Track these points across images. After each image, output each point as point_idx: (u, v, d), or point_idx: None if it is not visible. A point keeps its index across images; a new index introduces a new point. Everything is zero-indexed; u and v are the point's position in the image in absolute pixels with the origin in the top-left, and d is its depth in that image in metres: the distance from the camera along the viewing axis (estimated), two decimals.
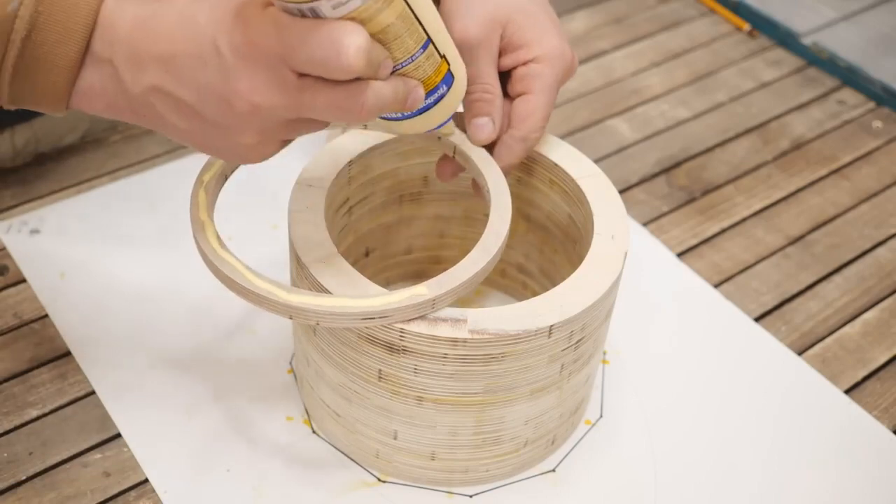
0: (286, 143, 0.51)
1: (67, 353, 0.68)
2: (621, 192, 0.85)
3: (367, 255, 0.71)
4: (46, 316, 0.70)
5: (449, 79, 0.54)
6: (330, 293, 0.54)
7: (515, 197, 0.69)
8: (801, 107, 0.98)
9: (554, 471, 0.64)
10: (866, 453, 0.67)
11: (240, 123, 0.47)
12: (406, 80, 0.50)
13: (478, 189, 0.63)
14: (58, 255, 0.74)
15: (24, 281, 0.72)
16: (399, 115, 0.55)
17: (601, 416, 0.68)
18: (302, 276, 0.57)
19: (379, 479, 0.62)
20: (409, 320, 0.53)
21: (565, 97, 0.96)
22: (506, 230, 0.57)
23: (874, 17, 1.13)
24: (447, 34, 0.53)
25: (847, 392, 0.71)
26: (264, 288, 0.52)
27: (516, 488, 0.63)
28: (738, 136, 0.94)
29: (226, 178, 0.58)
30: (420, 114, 0.55)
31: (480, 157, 0.61)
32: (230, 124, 0.47)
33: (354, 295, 0.53)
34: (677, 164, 0.90)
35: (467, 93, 0.60)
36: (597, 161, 0.83)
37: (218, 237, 0.54)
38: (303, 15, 0.44)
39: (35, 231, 0.76)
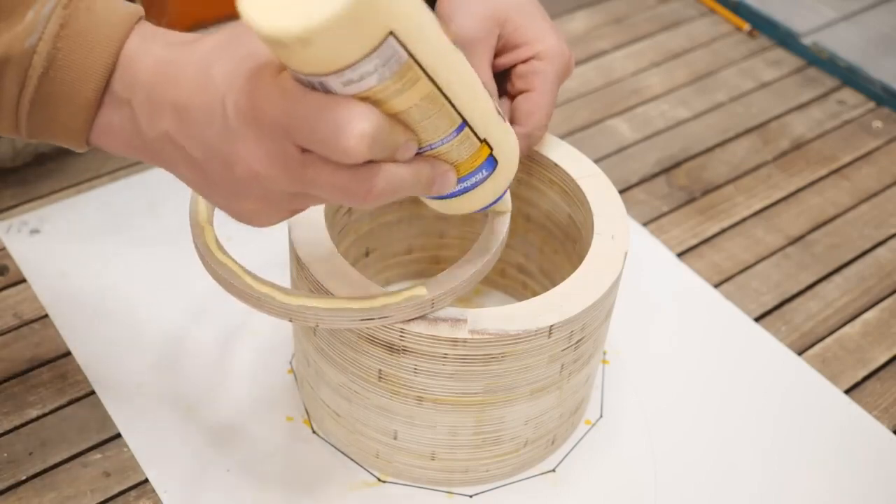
0: (295, 212, 0.48)
1: (67, 353, 0.68)
2: (621, 192, 0.85)
3: (367, 254, 0.71)
4: (46, 316, 0.70)
5: (490, 163, 0.50)
6: (331, 293, 0.54)
7: (515, 197, 0.69)
8: (801, 107, 0.98)
9: (554, 471, 0.64)
10: (866, 453, 0.67)
11: (240, 189, 0.45)
12: (434, 163, 0.47)
13: None
14: (58, 255, 0.74)
15: (24, 281, 0.72)
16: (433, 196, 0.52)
17: (601, 416, 0.68)
18: (302, 276, 0.57)
19: (379, 480, 0.62)
20: (409, 320, 0.53)
21: (565, 97, 0.96)
22: (505, 230, 0.57)
23: (874, 17, 1.13)
24: (493, 116, 0.49)
25: (847, 392, 0.71)
26: (263, 291, 0.51)
27: (516, 488, 0.63)
28: (738, 136, 0.94)
29: None
30: (456, 196, 0.52)
31: None
32: (231, 188, 0.46)
33: (353, 296, 0.53)
34: (677, 164, 0.90)
35: None
36: (597, 161, 0.83)
37: (217, 241, 0.54)
38: (313, 87, 0.42)
39: (35, 231, 0.76)
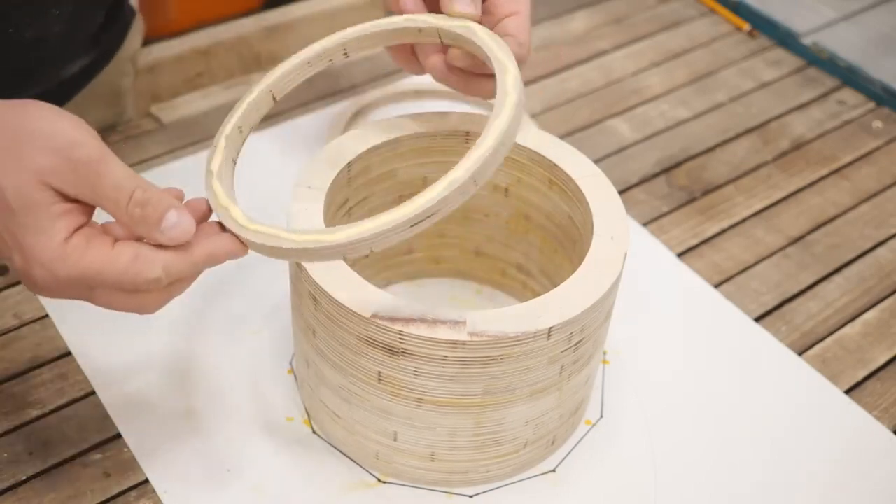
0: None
1: (67, 353, 0.68)
2: (621, 192, 0.85)
3: (366, 255, 0.71)
4: (46, 316, 0.70)
5: None
6: (332, 297, 0.54)
7: (515, 197, 0.69)
8: (801, 107, 0.98)
9: (554, 471, 0.64)
10: (866, 453, 0.67)
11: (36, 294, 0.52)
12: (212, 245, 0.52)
13: (476, 63, 0.61)
14: None
15: None
16: None
17: (601, 417, 0.68)
18: (300, 277, 0.57)
19: (379, 480, 0.62)
20: (409, 321, 0.53)
21: (565, 97, 0.96)
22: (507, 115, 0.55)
23: (874, 17, 1.13)
24: None
25: (847, 392, 0.71)
26: (310, 239, 0.51)
27: (516, 488, 0.63)
28: (738, 136, 0.94)
29: (234, 163, 0.58)
30: None
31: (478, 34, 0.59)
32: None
33: (397, 209, 0.52)
34: (677, 164, 0.90)
35: None
36: (597, 161, 0.83)
37: (244, 215, 0.53)
38: None
39: None
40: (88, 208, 0.50)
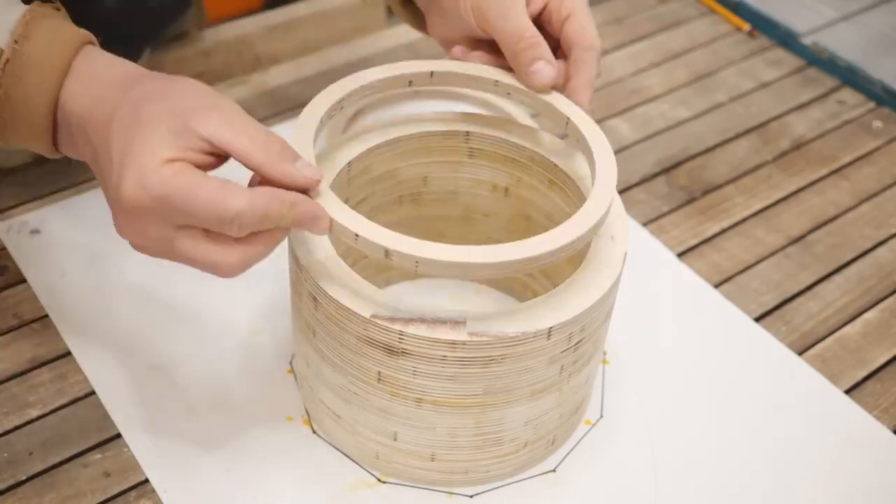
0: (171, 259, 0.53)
1: (67, 353, 0.68)
2: (621, 192, 0.85)
3: (367, 255, 0.71)
4: (46, 316, 0.70)
5: None
6: (333, 298, 0.54)
7: (515, 197, 0.69)
8: (801, 107, 0.98)
9: (554, 471, 0.64)
10: (866, 453, 0.67)
11: (125, 237, 0.53)
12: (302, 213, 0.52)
13: None
14: (58, 255, 0.74)
15: (24, 281, 0.72)
16: None
17: (601, 417, 0.68)
18: (301, 277, 0.57)
19: (379, 480, 0.62)
20: (409, 322, 0.53)
21: None
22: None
23: (874, 17, 1.13)
24: None
25: (847, 392, 0.71)
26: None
27: (516, 488, 0.63)
28: (738, 136, 0.94)
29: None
30: None
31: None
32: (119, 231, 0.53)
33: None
34: (677, 164, 0.90)
35: (515, 47, 0.61)
36: None
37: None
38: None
39: (35, 231, 0.76)
40: (209, 158, 0.51)
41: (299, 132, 0.57)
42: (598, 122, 0.93)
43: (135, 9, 0.77)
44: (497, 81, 0.63)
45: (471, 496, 0.62)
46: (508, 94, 0.64)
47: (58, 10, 0.54)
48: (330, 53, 0.98)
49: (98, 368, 0.67)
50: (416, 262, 0.52)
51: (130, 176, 0.49)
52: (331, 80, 0.62)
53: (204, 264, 0.51)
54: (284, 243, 0.57)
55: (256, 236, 0.51)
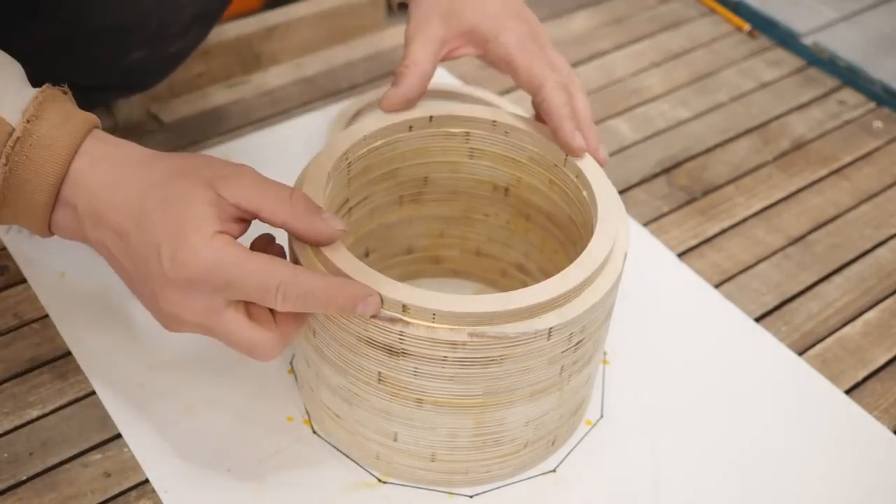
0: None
1: (67, 353, 0.68)
2: (621, 192, 0.85)
3: (367, 255, 0.71)
4: (46, 316, 0.70)
5: None
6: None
7: (515, 197, 0.69)
8: (801, 107, 0.98)
9: (554, 471, 0.64)
10: (866, 453, 0.67)
11: (161, 315, 0.53)
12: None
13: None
14: (58, 255, 0.74)
15: (24, 281, 0.72)
16: None
17: (602, 417, 0.68)
18: None
19: (379, 480, 0.62)
20: (409, 323, 0.53)
21: None
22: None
23: (874, 17, 1.13)
24: None
25: (847, 392, 0.71)
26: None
27: (517, 488, 0.63)
28: (738, 136, 0.94)
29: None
30: None
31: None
32: (153, 309, 0.54)
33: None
34: (678, 165, 0.90)
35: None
36: None
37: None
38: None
39: None
40: (241, 224, 0.53)
41: (308, 188, 0.59)
42: (599, 122, 0.93)
43: (158, 57, 0.77)
44: (495, 122, 0.66)
45: (471, 496, 0.62)
46: (506, 132, 0.66)
47: (65, 93, 0.55)
48: (330, 53, 0.98)
49: (98, 368, 0.67)
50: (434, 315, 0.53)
51: (185, 249, 0.50)
52: (331, 80, 0.62)
53: (243, 342, 0.53)
54: (284, 243, 0.57)
55: (296, 317, 0.54)
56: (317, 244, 0.55)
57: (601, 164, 0.64)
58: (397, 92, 0.64)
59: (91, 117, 0.54)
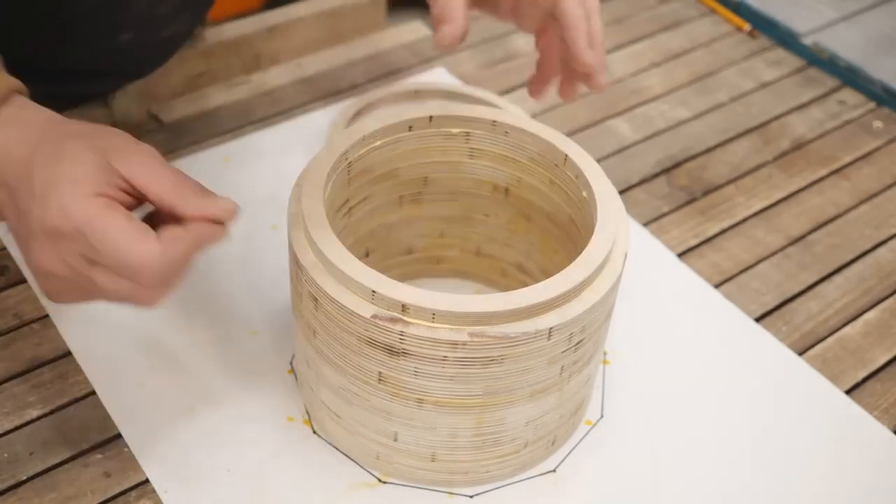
0: (89, 299, 0.53)
1: (67, 353, 0.68)
2: (621, 192, 0.85)
3: (367, 255, 0.71)
4: (46, 316, 0.70)
5: None
6: (334, 299, 0.54)
7: (515, 197, 0.69)
8: (801, 107, 0.98)
9: (554, 471, 0.64)
10: (866, 453, 0.67)
11: (37, 275, 0.52)
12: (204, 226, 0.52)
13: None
14: None
15: (24, 281, 0.72)
16: None
17: (602, 417, 0.68)
18: (301, 277, 0.57)
19: (379, 480, 0.62)
20: (409, 323, 0.53)
21: None
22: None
23: (874, 17, 1.13)
24: None
25: (847, 392, 0.71)
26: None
27: (517, 488, 0.63)
28: (738, 136, 0.94)
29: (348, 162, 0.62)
30: None
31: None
32: (31, 269, 0.52)
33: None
34: (678, 165, 0.90)
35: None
36: (597, 161, 0.83)
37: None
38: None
39: None
40: (128, 198, 0.51)
41: (308, 188, 0.58)
42: (599, 122, 0.93)
43: (149, 41, 0.77)
44: (495, 122, 0.66)
45: (471, 496, 0.62)
46: (506, 132, 0.66)
47: None
48: (330, 53, 0.98)
49: (98, 368, 0.67)
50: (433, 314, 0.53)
51: (55, 203, 0.49)
52: (331, 80, 0.62)
53: (121, 296, 0.51)
54: (285, 243, 0.57)
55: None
56: (214, 225, 0.52)
57: (601, 88, 0.64)
58: (449, 28, 0.61)
59: (13, 82, 0.54)
